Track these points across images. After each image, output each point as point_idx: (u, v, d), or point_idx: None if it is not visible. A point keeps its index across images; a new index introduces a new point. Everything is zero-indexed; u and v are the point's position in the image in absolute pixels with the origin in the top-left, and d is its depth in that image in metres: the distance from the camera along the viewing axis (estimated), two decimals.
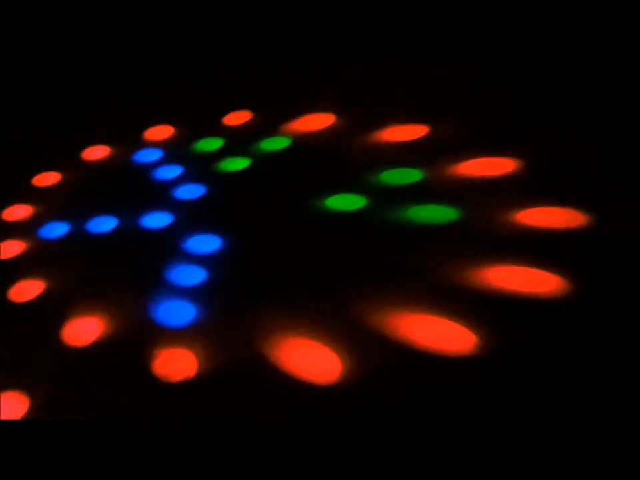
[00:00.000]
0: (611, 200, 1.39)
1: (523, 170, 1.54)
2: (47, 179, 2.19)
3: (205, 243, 1.66)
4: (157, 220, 1.82)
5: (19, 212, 2.05)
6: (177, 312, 1.47)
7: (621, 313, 1.15)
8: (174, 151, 2.10)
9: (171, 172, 1.99)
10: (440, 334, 1.22)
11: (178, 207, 1.84)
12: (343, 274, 1.42)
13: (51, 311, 1.60)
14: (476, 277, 1.30)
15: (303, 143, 1.88)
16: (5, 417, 1.33)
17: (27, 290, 1.70)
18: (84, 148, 2.29)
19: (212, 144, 2.04)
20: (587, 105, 1.70)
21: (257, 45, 2.54)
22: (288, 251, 1.54)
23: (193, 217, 1.78)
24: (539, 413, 1.05)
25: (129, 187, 2.01)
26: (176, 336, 1.40)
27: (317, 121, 1.94)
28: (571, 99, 1.73)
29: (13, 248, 1.90)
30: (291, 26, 2.52)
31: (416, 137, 1.74)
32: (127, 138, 2.27)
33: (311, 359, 1.25)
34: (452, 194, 1.52)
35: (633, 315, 1.14)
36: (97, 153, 2.26)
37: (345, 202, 1.61)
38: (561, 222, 1.37)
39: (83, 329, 1.50)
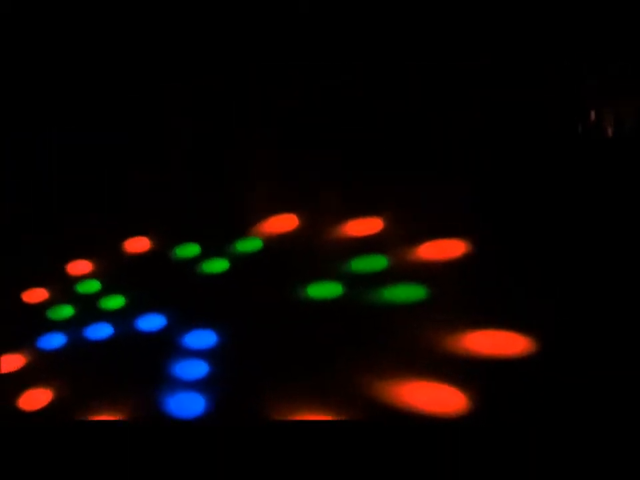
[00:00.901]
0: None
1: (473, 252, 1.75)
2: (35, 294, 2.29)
3: (201, 338, 1.81)
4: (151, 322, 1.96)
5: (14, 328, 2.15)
6: (187, 404, 1.62)
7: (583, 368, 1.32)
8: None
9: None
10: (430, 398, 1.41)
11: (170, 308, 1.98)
12: (336, 353, 1.60)
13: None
14: (453, 343, 1.51)
15: (273, 242, 2.07)
16: None
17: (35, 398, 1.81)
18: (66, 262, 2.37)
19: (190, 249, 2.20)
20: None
21: (257, 45, 2.50)
22: (281, 336, 1.71)
23: (185, 316, 1.93)
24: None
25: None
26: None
27: (283, 222, 2.14)
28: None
29: (14, 361, 2.00)
30: (291, 26, 2.48)
31: (375, 230, 1.95)
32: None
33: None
34: (416, 274, 1.72)
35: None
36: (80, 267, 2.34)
37: (324, 289, 1.80)
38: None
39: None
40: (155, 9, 2.68)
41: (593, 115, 1.80)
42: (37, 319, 2.15)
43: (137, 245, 2.34)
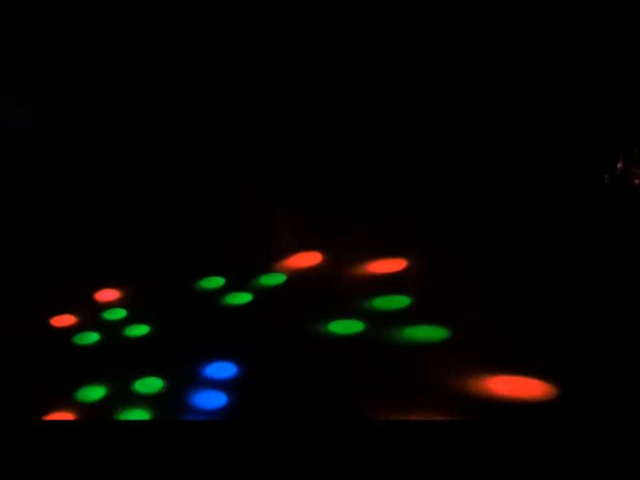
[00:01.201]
0: None
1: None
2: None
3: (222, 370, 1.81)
4: None
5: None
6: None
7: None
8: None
9: None
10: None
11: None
12: (356, 388, 1.59)
13: None
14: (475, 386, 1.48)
15: (296, 277, 2.04)
16: None
17: None
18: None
19: (215, 282, 2.18)
20: None
21: (257, 45, 2.50)
22: (302, 370, 1.71)
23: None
24: None
25: None
26: None
27: (307, 259, 2.12)
28: None
29: None
30: (291, 26, 2.48)
31: (397, 269, 1.92)
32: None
33: None
34: (438, 315, 1.69)
35: None
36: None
37: (345, 326, 1.80)
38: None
39: None
40: (154, 9, 2.69)
41: (620, 165, 1.79)
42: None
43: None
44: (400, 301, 1.80)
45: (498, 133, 2.00)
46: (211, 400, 1.72)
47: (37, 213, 2.64)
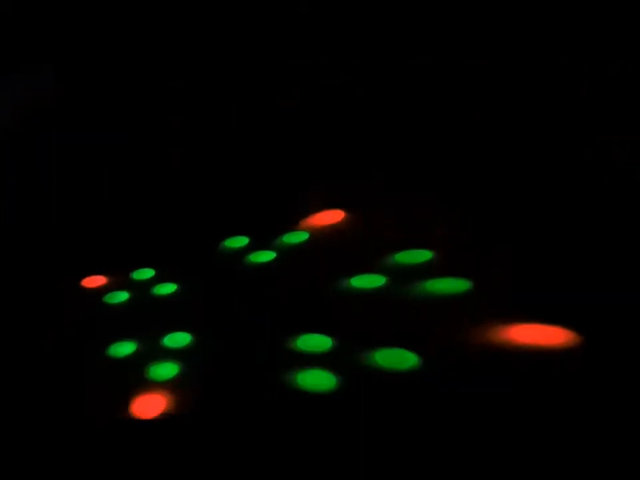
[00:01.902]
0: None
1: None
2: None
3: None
4: None
5: None
6: None
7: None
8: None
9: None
10: None
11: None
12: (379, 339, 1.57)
13: None
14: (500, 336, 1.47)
15: (319, 236, 2.02)
16: None
17: None
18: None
19: (239, 241, 2.18)
20: None
21: (257, 45, 2.55)
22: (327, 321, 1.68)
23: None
24: None
25: None
26: None
27: (329, 217, 2.11)
28: None
29: None
30: (291, 26, 2.52)
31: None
32: None
33: None
34: (461, 268, 1.67)
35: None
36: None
37: (367, 281, 1.79)
38: None
39: None
40: (154, 9, 2.72)
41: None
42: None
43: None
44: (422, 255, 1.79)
45: (498, 132, 2.00)
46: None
47: (37, 212, 2.64)
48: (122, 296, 2.11)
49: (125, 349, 1.84)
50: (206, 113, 2.59)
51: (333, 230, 2.02)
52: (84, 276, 2.26)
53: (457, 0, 2.28)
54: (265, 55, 2.54)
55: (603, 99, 1.87)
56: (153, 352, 1.80)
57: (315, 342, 1.66)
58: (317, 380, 1.54)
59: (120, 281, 2.16)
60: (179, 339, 1.83)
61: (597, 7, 2.01)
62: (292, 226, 2.08)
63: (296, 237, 2.10)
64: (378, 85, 2.32)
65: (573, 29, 2.02)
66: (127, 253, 2.25)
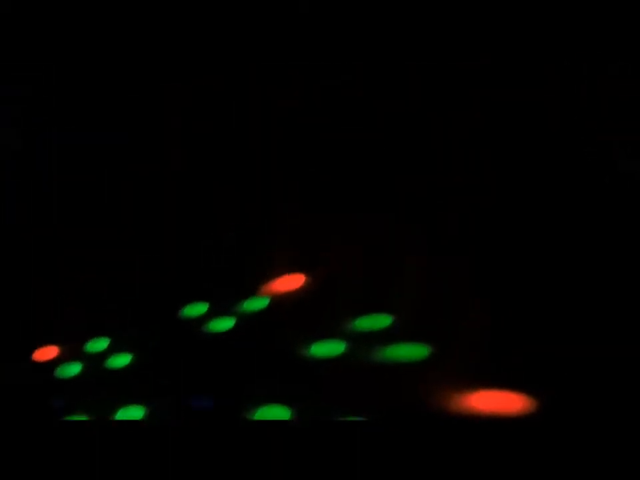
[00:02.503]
0: None
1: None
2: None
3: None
4: None
5: None
6: None
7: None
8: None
9: None
10: None
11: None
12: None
13: None
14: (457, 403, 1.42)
15: (280, 301, 1.99)
16: None
17: None
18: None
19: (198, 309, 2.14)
20: None
21: (257, 45, 2.50)
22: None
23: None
24: None
25: None
26: None
27: (290, 282, 2.07)
28: None
29: None
30: (291, 26, 2.47)
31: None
32: None
33: None
34: (420, 334, 1.62)
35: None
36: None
37: (328, 348, 1.76)
38: None
39: None
40: (154, 9, 2.69)
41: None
42: None
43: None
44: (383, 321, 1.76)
45: (498, 132, 2.00)
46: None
47: (37, 212, 2.64)
48: (74, 368, 2.07)
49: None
50: (206, 112, 2.59)
51: (293, 295, 1.97)
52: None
53: (457, 0, 2.24)
54: (265, 55, 2.52)
55: (603, 99, 1.87)
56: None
57: (275, 414, 1.61)
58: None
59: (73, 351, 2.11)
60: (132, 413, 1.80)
61: (596, 7, 1.98)
62: (253, 291, 2.04)
63: (256, 303, 2.04)
64: (378, 84, 2.31)
65: (573, 28, 2.00)
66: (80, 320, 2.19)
